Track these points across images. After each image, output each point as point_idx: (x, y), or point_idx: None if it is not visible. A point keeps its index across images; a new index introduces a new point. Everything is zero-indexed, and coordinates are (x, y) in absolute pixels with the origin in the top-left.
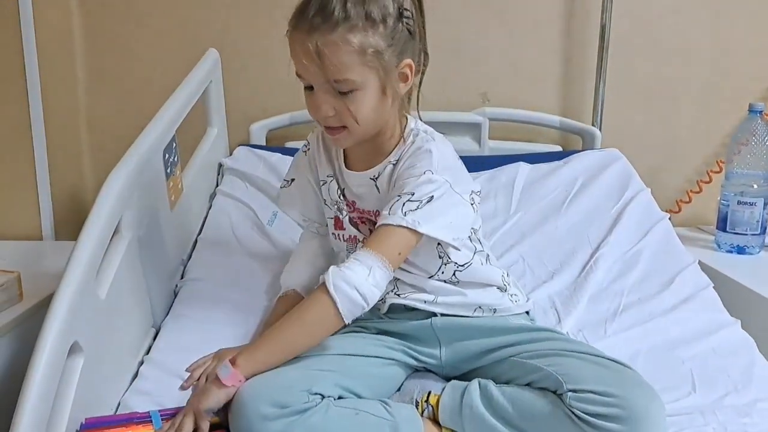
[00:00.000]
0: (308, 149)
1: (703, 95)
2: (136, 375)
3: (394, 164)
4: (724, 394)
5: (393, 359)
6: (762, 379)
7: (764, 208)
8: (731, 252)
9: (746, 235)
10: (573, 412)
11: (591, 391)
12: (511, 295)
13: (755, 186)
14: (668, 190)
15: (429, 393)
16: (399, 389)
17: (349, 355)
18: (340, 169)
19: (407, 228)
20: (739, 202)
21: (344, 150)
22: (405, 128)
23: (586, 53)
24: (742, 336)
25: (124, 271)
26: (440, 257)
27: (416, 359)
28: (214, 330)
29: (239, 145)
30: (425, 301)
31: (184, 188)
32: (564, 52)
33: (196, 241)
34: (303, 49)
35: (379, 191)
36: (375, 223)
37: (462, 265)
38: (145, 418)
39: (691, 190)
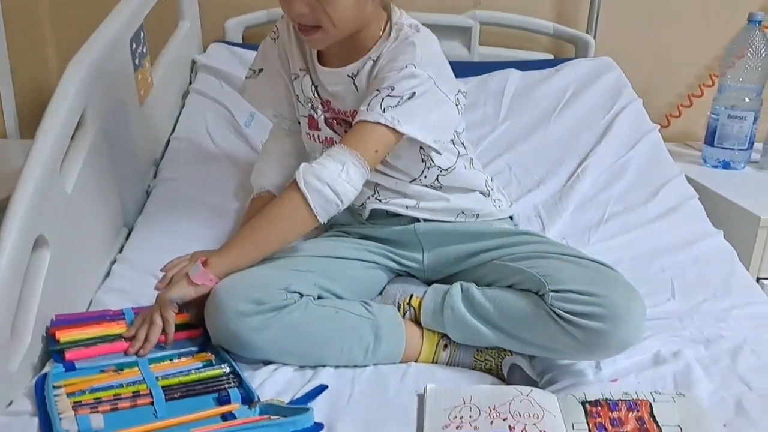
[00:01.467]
0: (277, 36)
1: (701, 4)
2: (108, 274)
3: (374, 60)
4: (702, 301)
5: (374, 263)
6: (740, 288)
7: (754, 123)
8: (717, 167)
9: (733, 150)
10: (555, 311)
11: (573, 291)
12: (495, 200)
13: (747, 100)
14: (659, 104)
15: (411, 296)
16: (381, 293)
17: (329, 257)
18: (313, 64)
19: (386, 126)
20: (729, 116)
21: None
22: (387, 23)
23: None
24: (724, 246)
25: (91, 165)
26: (423, 161)
27: (398, 263)
28: (188, 230)
29: (214, 42)
30: (407, 207)
31: (154, 83)
32: None
33: (168, 141)
34: None
35: (357, 90)
36: (350, 123)
37: (445, 170)
38: (118, 316)
39: (682, 104)
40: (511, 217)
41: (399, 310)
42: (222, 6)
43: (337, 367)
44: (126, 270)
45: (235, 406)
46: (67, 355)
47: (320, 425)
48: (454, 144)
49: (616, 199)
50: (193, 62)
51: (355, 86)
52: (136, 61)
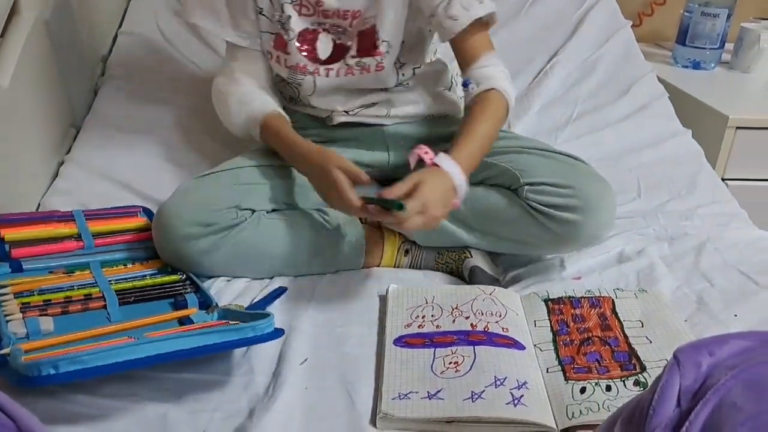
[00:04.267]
0: None
1: None
2: (56, 176)
3: None
4: (668, 200)
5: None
6: (705, 187)
7: (727, 21)
8: (687, 67)
9: (704, 49)
10: (529, 204)
11: (547, 183)
12: (460, 97)
13: None
14: (632, 1)
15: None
16: None
17: (282, 166)
18: None
19: (489, 14)
20: (702, 13)
21: None
22: None
23: None
24: (692, 145)
25: (30, 59)
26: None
27: (361, 164)
28: (138, 129)
29: None
30: (376, 116)
31: None
32: None
33: (116, 36)
34: None
35: None
36: (347, 29)
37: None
38: (67, 217)
39: (654, 2)
40: None
41: None
42: None
43: (296, 276)
44: (74, 171)
45: (192, 311)
46: (13, 253)
47: (281, 330)
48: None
49: (585, 98)
50: None
51: None
52: None
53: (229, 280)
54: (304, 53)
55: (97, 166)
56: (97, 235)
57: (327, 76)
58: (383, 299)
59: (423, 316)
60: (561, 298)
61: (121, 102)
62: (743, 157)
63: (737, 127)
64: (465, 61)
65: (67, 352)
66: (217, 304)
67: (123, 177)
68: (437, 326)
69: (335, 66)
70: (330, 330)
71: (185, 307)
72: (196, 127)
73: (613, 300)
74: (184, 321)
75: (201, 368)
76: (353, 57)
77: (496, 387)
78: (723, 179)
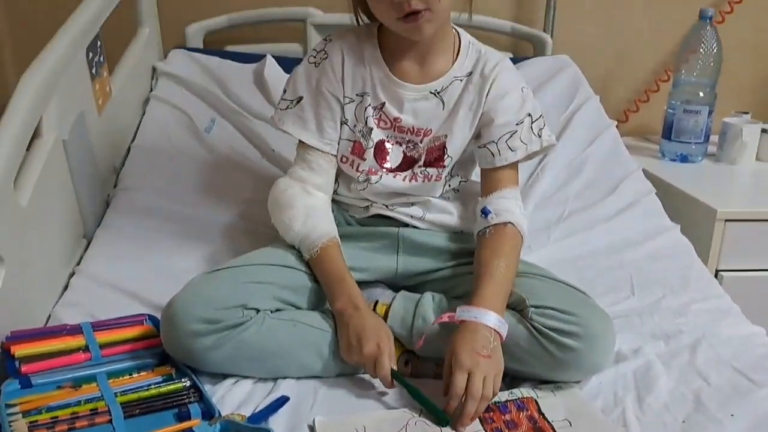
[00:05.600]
0: (324, 58)
1: (656, 1)
2: (66, 287)
3: (462, 80)
4: (661, 297)
5: None
6: (698, 282)
7: (709, 117)
8: (675, 161)
9: (690, 143)
10: (534, 327)
11: (552, 308)
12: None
13: (701, 94)
14: (617, 100)
15: (376, 302)
16: None
17: (288, 267)
18: (383, 80)
19: (543, 147)
20: (685, 110)
21: (387, 61)
22: (457, 40)
23: None
24: (681, 240)
25: (48, 177)
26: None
27: (367, 269)
28: (148, 240)
29: (174, 48)
30: (412, 216)
31: (113, 92)
32: None
33: (129, 149)
34: None
35: (444, 106)
36: (417, 144)
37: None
38: (76, 330)
39: (639, 100)
40: None
41: None
42: (182, 11)
43: (298, 378)
44: (84, 282)
45: (195, 422)
46: (23, 368)
47: None
48: None
49: (574, 197)
50: (154, 69)
51: (443, 102)
52: (93, 71)
53: (235, 382)
54: (378, 161)
55: (106, 277)
56: (104, 345)
57: (394, 177)
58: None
59: None
60: (489, 405)
61: (132, 213)
62: (735, 248)
63: (726, 220)
64: (489, 188)
65: None
66: (219, 414)
67: (132, 287)
68: None
69: (403, 173)
70: None
71: (188, 417)
72: (204, 237)
73: (535, 400)
74: None
75: None
76: (419, 167)
77: None
78: (717, 270)
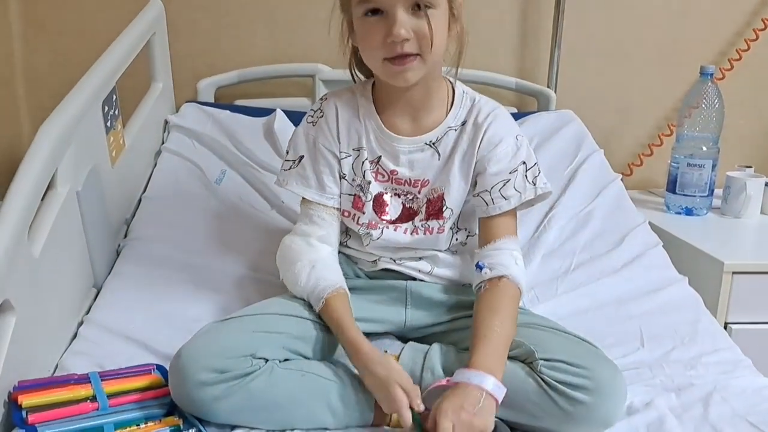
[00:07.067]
0: (320, 116)
1: (657, 58)
2: (75, 336)
3: (456, 130)
4: (671, 349)
5: None
6: (707, 334)
7: (712, 170)
8: (680, 213)
9: (695, 196)
10: (544, 380)
11: (562, 361)
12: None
13: (704, 148)
14: (621, 154)
15: (385, 352)
16: None
17: (297, 317)
18: (378, 134)
19: (539, 195)
20: (688, 165)
21: (381, 115)
22: (450, 90)
23: (542, 15)
24: (689, 292)
25: (60, 228)
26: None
27: (375, 321)
28: (157, 289)
29: (186, 102)
30: (420, 270)
31: (126, 144)
32: (520, 13)
33: (140, 200)
34: None
35: (439, 157)
36: (416, 195)
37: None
38: (83, 380)
39: (642, 154)
40: None
41: None
42: (194, 67)
43: (307, 430)
44: (92, 332)
45: None
46: (30, 419)
47: None
48: None
49: (581, 249)
50: (166, 122)
51: (438, 153)
52: (108, 124)
53: None
54: (377, 213)
55: (115, 326)
56: (111, 395)
57: (395, 230)
58: None
59: None
60: None
61: (142, 263)
62: (743, 301)
63: (734, 272)
64: (485, 238)
65: None
66: None
67: (140, 336)
68: None
69: (404, 225)
70: None
71: None
72: (214, 287)
73: None
74: None
75: None
76: (420, 219)
77: None
78: (726, 323)
